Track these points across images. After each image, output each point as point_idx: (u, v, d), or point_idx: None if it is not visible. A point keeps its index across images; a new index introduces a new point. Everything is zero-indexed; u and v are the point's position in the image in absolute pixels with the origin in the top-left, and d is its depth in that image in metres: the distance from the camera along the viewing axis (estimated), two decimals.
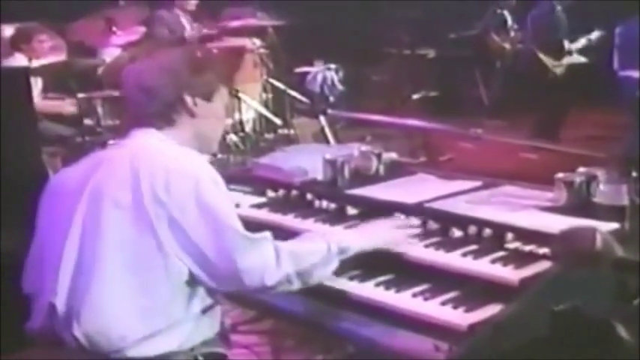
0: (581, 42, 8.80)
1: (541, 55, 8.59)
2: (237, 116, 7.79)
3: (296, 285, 2.36)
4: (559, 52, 8.68)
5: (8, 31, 6.53)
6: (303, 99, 8.07)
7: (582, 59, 8.78)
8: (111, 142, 2.75)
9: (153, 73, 2.50)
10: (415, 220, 2.65)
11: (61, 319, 2.25)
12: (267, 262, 2.29)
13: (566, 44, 8.76)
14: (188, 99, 2.47)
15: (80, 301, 2.23)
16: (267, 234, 2.36)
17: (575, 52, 8.81)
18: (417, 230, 2.61)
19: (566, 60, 8.71)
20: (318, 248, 2.41)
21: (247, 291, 2.34)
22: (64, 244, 2.29)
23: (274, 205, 3.03)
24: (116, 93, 6.75)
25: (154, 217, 2.22)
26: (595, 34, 8.81)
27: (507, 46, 9.71)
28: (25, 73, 5.34)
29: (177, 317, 2.28)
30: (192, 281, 2.28)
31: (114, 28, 7.33)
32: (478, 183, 2.96)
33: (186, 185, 2.25)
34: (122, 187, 2.27)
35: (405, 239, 2.56)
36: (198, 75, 2.51)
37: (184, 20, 8.39)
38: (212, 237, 2.24)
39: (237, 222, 2.31)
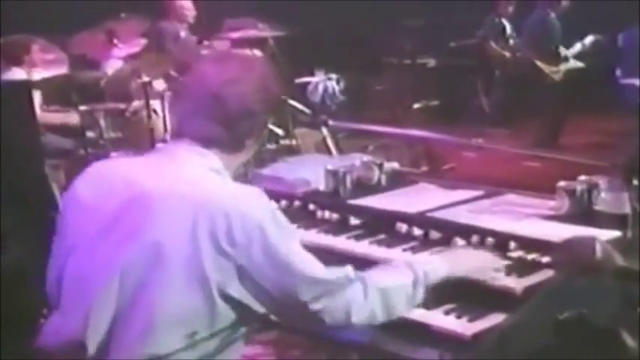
0: (576, 47, 8.83)
1: (538, 62, 8.61)
2: None
3: (380, 319, 2.20)
4: (555, 59, 8.71)
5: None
6: (305, 109, 8.08)
7: (579, 65, 8.80)
8: (150, 157, 2.29)
9: (250, 87, 2.18)
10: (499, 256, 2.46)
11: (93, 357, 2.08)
12: (352, 301, 2.13)
13: (562, 50, 8.78)
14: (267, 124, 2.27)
15: (118, 349, 2.05)
16: (349, 270, 2.18)
17: (571, 58, 8.84)
18: (504, 262, 2.43)
19: (564, 66, 8.73)
20: (406, 281, 2.23)
21: (330, 328, 2.19)
22: (98, 284, 2.05)
23: None
24: (121, 105, 6.76)
25: (213, 271, 1.99)
26: (589, 39, 8.84)
27: (507, 54, 9.74)
28: (28, 86, 5.37)
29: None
30: (236, 327, 2.11)
31: (115, 41, 7.34)
32: (480, 192, 2.97)
33: (252, 233, 2.01)
34: (177, 240, 2.00)
35: (490, 269, 2.40)
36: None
37: (183, 32, 8.42)
38: (283, 283, 2.04)
39: (307, 263, 2.10)
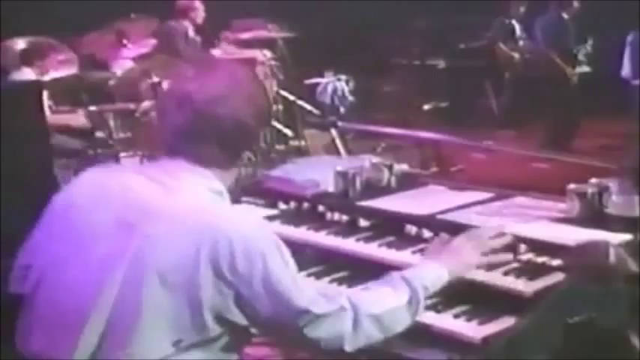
0: (582, 51, 8.82)
1: (561, 63, 8.57)
2: None
3: (379, 340, 2.18)
4: (572, 61, 8.69)
5: (20, 44, 6.55)
6: (314, 110, 8.08)
7: (588, 68, 8.79)
8: (151, 171, 2.18)
9: (241, 103, 2.13)
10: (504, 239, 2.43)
11: None
12: (344, 332, 2.10)
13: (576, 52, 8.77)
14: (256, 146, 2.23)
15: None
16: (343, 299, 2.15)
17: (583, 60, 8.82)
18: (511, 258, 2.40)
19: (578, 69, 8.72)
20: (401, 302, 2.18)
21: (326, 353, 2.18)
22: (89, 307, 2.00)
23: (286, 218, 3.03)
24: (130, 106, 6.77)
25: (209, 296, 1.97)
26: (590, 43, 8.83)
27: (516, 55, 9.73)
28: (38, 86, 5.38)
29: None
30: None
31: (125, 41, 7.36)
32: (490, 194, 2.96)
33: (254, 263, 1.98)
34: (176, 266, 1.96)
35: (490, 259, 2.36)
36: (270, 106, 2.29)
37: (191, 32, 8.44)
38: (279, 313, 2.03)
39: (301, 297, 2.06)
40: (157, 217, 2.02)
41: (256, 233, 2.04)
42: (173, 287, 1.97)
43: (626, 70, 8.34)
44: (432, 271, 2.29)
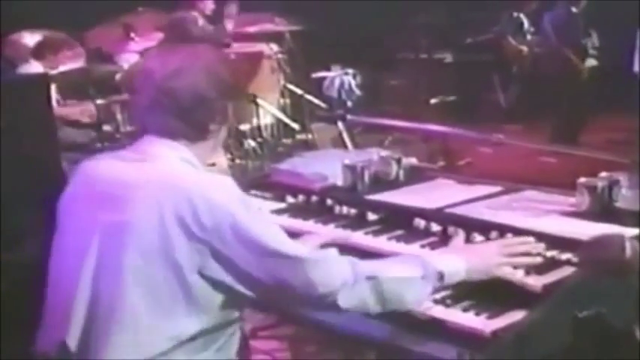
0: (588, 45, 8.78)
1: (573, 57, 8.54)
2: (255, 122, 7.80)
3: (374, 310, 2.18)
4: (583, 55, 8.66)
5: (29, 38, 6.55)
6: (321, 104, 8.07)
7: (595, 62, 8.76)
8: (127, 153, 2.31)
9: (198, 76, 2.19)
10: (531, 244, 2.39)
11: (75, 356, 2.12)
12: (337, 283, 2.12)
13: (588, 47, 8.74)
14: (230, 107, 2.28)
15: (97, 347, 2.08)
16: (332, 250, 2.21)
17: (591, 54, 8.79)
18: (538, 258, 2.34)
19: (588, 63, 8.69)
20: (410, 275, 2.20)
21: (319, 309, 2.22)
22: (76, 279, 2.11)
23: (294, 211, 3.02)
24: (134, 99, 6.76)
25: (187, 257, 2.03)
26: (594, 37, 8.80)
27: (525, 49, 9.69)
28: (46, 79, 5.37)
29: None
30: (218, 311, 2.14)
31: (132, 35, 7.35)
32: (499, 188, 2.95)
33: (219, 216, 2.04)
34: (147, 232, 2.05)
35: (514, 264, 2.33)
36: (236, 80, 2.32)
37: (201, 21, 8.44)
38: (262, 264, 2.07)
39: (286, 244, 2.12)
40: (127, 189, 2.11)
41: (218, 190, 2.09)
42: (151, 254, 2.03)
43: (637, 66, 8.31)
44: (450, 262, 2.30)
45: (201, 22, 8.42)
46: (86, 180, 2.27)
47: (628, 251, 1.80)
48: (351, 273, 2.14)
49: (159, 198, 2.06)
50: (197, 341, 2.11)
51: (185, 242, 2.03)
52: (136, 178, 2.14)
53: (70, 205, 2.28)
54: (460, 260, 2.31)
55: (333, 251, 2.22)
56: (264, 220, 2.16)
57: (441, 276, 2.25)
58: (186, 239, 2.03)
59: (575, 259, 2.27)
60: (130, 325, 2.05)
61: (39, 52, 6.42)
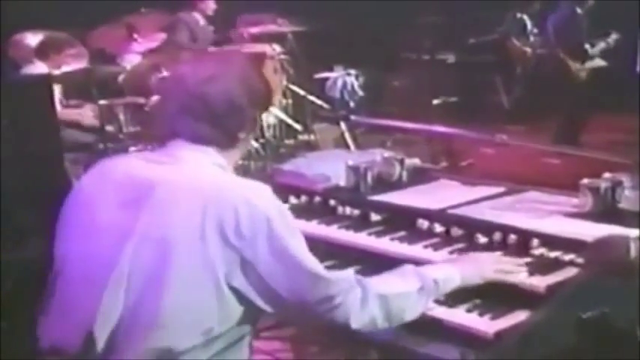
0: (600, 45, 8.76)
1: (567, 59, 8.54)
2: None
3: (382, 326, 2.19)
4: (582, 56, 8.65)
5: (32, 38, 6.56)
6: (324, 105, 8.08)
7: (603, 63, 8.74)
8: (152, 155, 2.26)
9: (232, 83, 2.18)
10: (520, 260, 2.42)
11: (98, 353, 2.08)
12: (351, 307, 2.13)
13: (589, 48, 8.72)
14: (259, 116, 2.29)
15: (127, 346, 2.05)
16: (350, 273, 2.21)
17: (596, 55, 8.77)
18: (523, 266, 2.39)
19: (589, 64, 8.67)
20: (410, 289, 2.23)
21: (329, 326, 2.22)
22: (104, 283, 2.05)
23: (297, 212, 3.02)
24: (140, 100, 6.77)
25: (221, 263, 2.01)
26: (613, 37, 8.77)
27: (528, 50, 9.69)
28: (48, 80, 5.37)
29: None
30: (247, 321, 2.13)
31: (135, 35, 7.35)
32: (502, 189, 2.95)
33: (258, 226, 2.02)
34: (185, 233, 2.01)
35: (506, 273, 2.37)
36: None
37: (203, 23, 8.45)
38: (287, 279, 2.05)
39: (311, 261, 2.11)
40: (160, 190, 2.07)
41: (260, 198, 2.07)
42: (186, 260, 2.00)
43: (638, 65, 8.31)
44: (444, 270, 2.32)
45: (202, 22, 8.44)
46: (113, 180, 2.20)
47: (632, 252, 1.80)
48: (361, 296, 2.15)
49: (200, 204, 2.02)
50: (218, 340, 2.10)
51: (220, 248, 2.01)
52: (170, 183, 2.10)
53: (94, 205, 2.20)
54: (453, 269, 2.33)
55: (350, 273, 2.22)
56: (298, 233, 2.13)
57: (436, 284, 2.27)
58: (222, 245, 2.01)
59: (578, 260, 2.27)
60: (165, 333, 2.02)
61: (42, 51, 6.43)
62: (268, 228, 2.03)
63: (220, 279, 2.02)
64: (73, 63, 6.51)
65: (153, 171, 2.14)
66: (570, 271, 2.29)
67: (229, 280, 2.03)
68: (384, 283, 2.24)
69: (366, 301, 2.15)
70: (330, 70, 8.64)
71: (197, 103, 2.15)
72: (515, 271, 2.37)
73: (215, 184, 2.09)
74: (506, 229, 2.52)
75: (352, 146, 6.46)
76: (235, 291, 2.05)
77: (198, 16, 8.46)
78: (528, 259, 2.40)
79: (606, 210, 2.58)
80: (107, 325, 2.06)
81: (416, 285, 2.23)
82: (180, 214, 2.03)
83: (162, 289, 2.01)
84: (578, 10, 8.69)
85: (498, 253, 2.45)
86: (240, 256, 2.02)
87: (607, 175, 2.65)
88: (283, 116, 8.09)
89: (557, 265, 2.34)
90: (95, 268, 2.10)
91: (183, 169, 2.13)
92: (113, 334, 2.06)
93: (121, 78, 7.00)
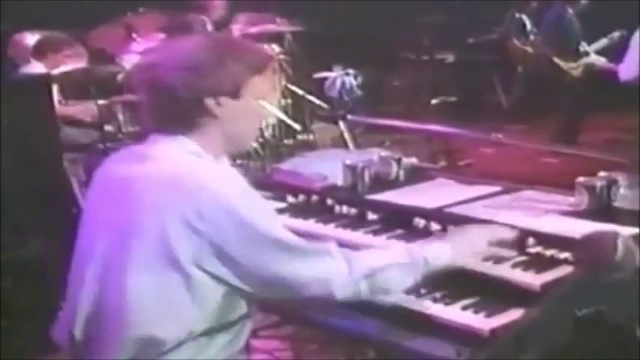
0: (601, 43, 8.76)
1: (555, 58, 8.56)
2: None
3: (365, 297, 2.19)
4: (573, 55, 8.66)
5: (31, 38, 6.57)
6: (323, 104, 8.08)
7: (601, 61, 8.73)
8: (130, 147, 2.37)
9: (165, 68, 2.15)
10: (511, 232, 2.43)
11: (79, 346, 2.17)
12: (333, 274, 2.13)
13: (583, 47, 8.72)
14: (209, 101, 2.16)
15: (99, 337, 2.13)
16: (331, 245, 2.20)
17: (593, 54, 8.78)
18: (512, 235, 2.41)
19: (584, 62, 8.68)
20: (398, 261, 2.23)
21: (313, 304, 2.24)
22: (82, 277, 2.16)
23: (295, 211, 3.04)
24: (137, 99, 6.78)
25: (185, 249, 2.03)
26: (616, 34, 8.77)
27: (529, 49, 9.69)
28: (47, 80, 5.39)
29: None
30: (225, 305, 2.14)
31: (134, 35, 7.37)
32: (498, 188, 2.96)
33: (223, 211, 2.04)
34: (146, 222, 2.07)
35: (501, 250, 2.38)
36: (220, 68, 2.16)
37: (209, 26, 8.46)
38: (262, 258, 2.07)
39: (286, 236, 2.12)
40: (131, 185, 2.13)
41: (223, 183, 2.09)
42: (153, 250, 2.05)
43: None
44: (434, 246, 2.32)
45: (209, 26, 8.45)
46: (101, 180, 2.31)
47: (620, 249, 1.81)
48: (347, 265, 2.16)
49: (160, 195, 2.07)
50: (205, 336, 2.13)
51: (185, 236, 2.03)
52: (139, 176, 2.15)
53: (87, 206, 2.34)
54: (445, 244, 2.32)
55: (332, 245, 2.22)
56: (266, 210, 2.16)
57: (425, 261, 2.26)
58: (187, 233, 2.03)
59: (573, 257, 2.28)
60: (138, 321, 2.07)
61: (39, 51, 6.44)
62: (234, 211, 2.04)
63: (184, 265, 2.04)
64: (72, 63, 6.53)
65: (126, 169, 2.20)
66: (565, 269, 2.30)
67: (200, 264, 2.05)
68: (373, 255, 2.26)
69: (351, 272, 2.15)
70: (329, 69, 8.64)
71: (144, 91, 2.21)
72: (506, 238, 2.38)
73: (178, 173, 2.10)
74: None
75: (351, 146, 6.46)
76: (210, 274, 2.06)
77: (205, 20, 8.47)
78: (524, 258, 2.41)
79: (602, 208, 2.59)
80: (81, 317, 2.15)
81: (405, 259, 2.23)
82: (144, 204, 2.08)
83: (125, 277, 2.07)
84: (570, 10, 8.71)
85: (489, 226, 2.45)
86: (210, 241, 2.03)
87: (602, 173, 2.67)
88: (282, 116, 8.09)
89: (552, 263, 2.35)
90: (80, 265, 2.20)
91: (150, 163, 2.16)
92: (88, 325, 2.14)
93: (120, 77, 7.01)
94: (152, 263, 2.06)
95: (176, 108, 2.16)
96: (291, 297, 2.17)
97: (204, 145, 2.20)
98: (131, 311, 2.07)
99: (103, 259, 2.14)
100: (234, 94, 2.19)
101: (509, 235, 2.41)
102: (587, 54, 8.69)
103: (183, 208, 2.03)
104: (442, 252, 2.29)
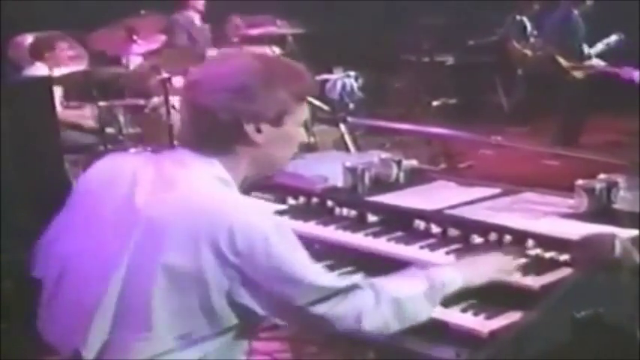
0: (599, 46, 8.77)
1: (560, 59, 8.56)
2: None
3: (394, 328, 2.16)
4: (578, 57, 8.66)
5: (29, 39, 6.59)
6: (323, 106, 8.09)
7: (602, 64, 8.75)
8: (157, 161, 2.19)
9: (208, 87, 2.08)
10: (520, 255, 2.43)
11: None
12: (362, 308, 2.10)
13: (586, 49, 8.73)
14: (249, 127, 2.08)
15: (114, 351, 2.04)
16: (358, 278, 2.16)
17: (594, 56, 8.79)
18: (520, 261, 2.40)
19: (586, 65, 8.68)
20: (421, 291, 2.19)
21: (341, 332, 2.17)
22: (99, 295, 2.03)
23: (295, 213, 3.04)
24: (139, 101, 6.80)
25: (219, 281, 1.97)
26: (613, 38, 8.78)
27: (528, 52, 9.70)
28: (48, 82, 5.40)
29: None
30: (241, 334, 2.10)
31: (135, 37, 7.37)
32: (498, 190, 2.97)
33: (255, 244, 1.97)
34: (178, 251, 1.97)
35: (506, 273, 2.37)
36: (266, 94, 2.08)
37: (198, 22, 8.49)
38: (292, 293, 2.02)
39: (315, 274, 2.07)
40: (160, 203, 2.03)
41: (256, 215, 2.03)
42: (178, 272, 1.97)
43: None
44: (447, 272, 2.30)
45: (197, 22, 8.47)
46: (110, 178, 2.17)
47: (618, 250, 1.82)
48: (374, 297, 2.13)
49: (195, 219, 1.99)
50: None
51: (214, 266, 1.97)
52: (168, 191, 2.05)
53: (90, 200, 2.18)
54: (455, 272, 2.31)
55: (358, 278, 2.19)
56: (298, 248, 2.08)
57: (443, 286, 2.25)
58: (217, 263, 1.97)
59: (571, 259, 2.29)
60: (153, 344, 2.01)
61: (35, 51, 6.45)
62: (266, 245, 1.98)
63: (213, 298, 1.98)
64: (73, 65, 6.54)
65: (156, 181, 2.09)
66: (565, 272, 2.31)
67: (233, 297, 2.00)
68: (395, 285, 2.21)
69: (379, 304, 2.12)
70: (330, 71, 8.65)
71: (187, 109, 2.14)
72: (515, 270, 2.38)
73: (211, 200, 2.03)
74: (501, 230, 2.53)
75: (352, 148, 6.46)
76: (236, 305, 2.02)
77: (192, 15, 8.48)
78: (524, 260, 2.42)
79: (601, 211, 2.60)
80: (102, 325, 2.04)
81: (425, 287, 2.21)
82: (177, 230, 1.98)
83: (152, 307, 1.99)
84: (575, 11, 8.71)
85: (497, 254, 2.45)
86: (241, 273, 1.98)
87: (602, 176, 2.67)
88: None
89: (552, 265, 2.36)
90: (94, 273, 2.07)
91: (184, 183, 2.06)
92: (100, 345, 2.05)
93: (121, 80, 7.03)
94: (182, 292, 1.99)
95: (212, 130, 2.08)
96: (322, 328, 2.16)
97: (233, 169, 2.12)
98: (150, 339, 2.01)
99: (126, 279, 2.02)
100: (277, 121, 2.11)
101: (513, 265, 2.40)
102: (589, 57, 8.70)
103: (219, 239, 1.96)
104: (455, 279, 2.28)
